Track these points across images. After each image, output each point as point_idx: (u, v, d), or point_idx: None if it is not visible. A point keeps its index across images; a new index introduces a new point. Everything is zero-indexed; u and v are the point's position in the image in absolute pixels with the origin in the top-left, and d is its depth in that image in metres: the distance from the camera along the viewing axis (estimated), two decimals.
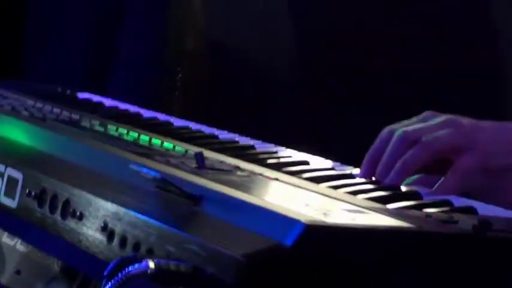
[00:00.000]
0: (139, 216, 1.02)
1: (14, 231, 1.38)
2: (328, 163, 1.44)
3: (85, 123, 1.48)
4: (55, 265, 1.38)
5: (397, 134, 1.36)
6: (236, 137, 1.62)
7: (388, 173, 1.34)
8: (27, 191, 1.21)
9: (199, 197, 1.03)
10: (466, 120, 1.41)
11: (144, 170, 1.10)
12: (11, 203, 1.24)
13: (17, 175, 1.22)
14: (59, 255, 1.25)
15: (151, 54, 2.99)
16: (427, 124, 1.39)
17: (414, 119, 1.41)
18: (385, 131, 1.39)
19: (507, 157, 1.40)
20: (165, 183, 1.04)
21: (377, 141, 1.40)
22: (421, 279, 1.01)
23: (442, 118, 1.40)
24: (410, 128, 1.38)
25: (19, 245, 1.47)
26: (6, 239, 1.50)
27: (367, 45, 2.11)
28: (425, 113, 1.41)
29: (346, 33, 2.19)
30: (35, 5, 3.25)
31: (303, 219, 0.91)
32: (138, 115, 1.79)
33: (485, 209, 1.24)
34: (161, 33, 2.99)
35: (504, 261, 1.07)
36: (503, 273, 1.07)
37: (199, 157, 1.20)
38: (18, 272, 1.47)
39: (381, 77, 2.10)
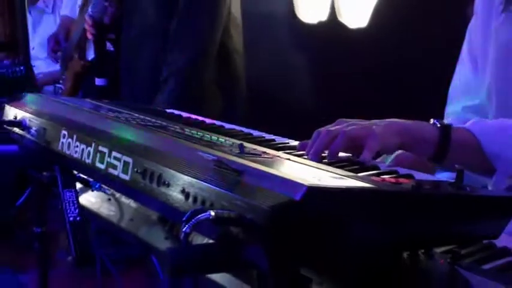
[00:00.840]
0: (204, 183, 1.04)
1: (129, 195, 1.39)
2: None
3: (170, 127, 1.47)
4: (154, 216, 1.35)
5: (324, 131, 1.36)
6: (263, 134, 1.59)
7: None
8: (135, 169, 1.21)
9: (240, 171, 1.02)
10: (366, 121, 1.41)
11: (206, 155, 1.08)
12: (126, 177, 1.23)
13: (129, 160, 1.21)
14: (156, 209, 1.27)
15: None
16: (341, 126, 1.37)
17: (331, 124, 1.41)
18: (316, 131, 1.38)
19: (393, 139, 1.37)
20: (220, 163, 1.05)
21: (314, 136, 1.38)
22: (379, 222, 1.00)
23: (350, 121, 1.40)
24: (331, 128, 1.37)
25: (132, 203, 1.50)
26: (124, 199, 1.52)
27: None
28: (338, 120, 1.41)
29: None
30: None
31: (305, 183, 0.93)
32: (202, 122, 1.77)
33: (419, 175, 1.23)
34: None
35: (431, 209, 1.05)
36: (430, 217, 1.05)
37: (241, 146, 1.20)
38: (131, 220, 1.47)
39: None
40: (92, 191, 1.67)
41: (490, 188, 1.59)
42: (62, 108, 1.68)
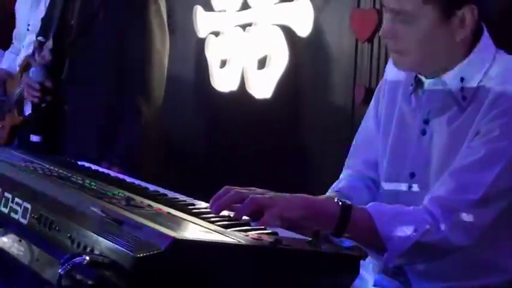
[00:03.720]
0: (87, 231, 1.07)
1: (26, 237, 1.33)
2: (204, 205, 1.41)
3: (72, 178, 1.48)
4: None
5: (234, 191, 1.37)
6: (159, 189, 1.56)
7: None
8: (32, 215, 1.23)
9: (120, 221, 1.06)
10: (273, 192, 1.42)
11: (94, 206, 1.11)
12: (24, 221, 1.26)
13: (28, 206, 1.22)
14: (48, 252, 1.22)
15: None
16: (249, 191, 1.39)
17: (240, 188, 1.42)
18: (224, 188, 1.39)
19: (296, 211, 1.38)
20: (105, 215, 1.09)
21: (220, 192, 1.38)
22: (238, 274, 1.03)
23: (259, 190, 1.42)
24: (241, 190, 1.39)
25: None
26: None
27: None
28: (226, 187, 1.41)
29: None
30: None
31: (172, 234, 0.98)
32: (105, 174, 1.75)
33: (284, 233, 1.25)
34: None
35: (288, 263, 1.08)
36: (286, 270, 1.08)
37: (128, 199, 1.23)
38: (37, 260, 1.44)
39: None
40: (6, 233, 1.66)
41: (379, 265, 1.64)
42: None
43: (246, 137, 3.07)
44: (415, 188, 1.63)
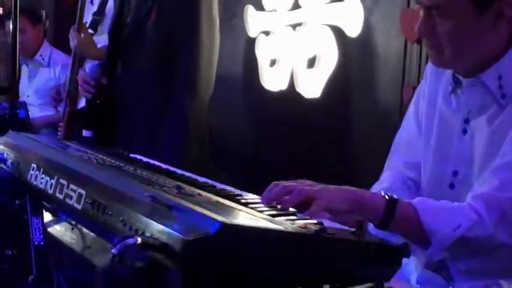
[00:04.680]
0: (139, 215, 1.10)
1: (80, 222, 1.40)
2: (252, 196, 1.43)
3: (124, 167, 1.52)
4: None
5: (281, 185, 1.41)
6: (207, 181, 1.58)
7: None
8: (87, 200, 1.26)
9: (170, 206, 1.08)
10: (321, 185, 1.46)
11: (145, 192, 1.15)
12: (78, 207, 1.29)
13: (82, 192, 1.28)
14: (101, 235, 1.28)
15: None
16: (297, 183, 1.42)
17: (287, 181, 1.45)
18: (272, 184, 1.43)
19: (343, 203, 1.40)
20: (153, 198, 1.11)
21: (269, 187, 1.42)
22: (284, 261, 1.04)
23: (308, 182, 1.45)
24: (287, 183, 1.42)
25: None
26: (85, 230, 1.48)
27: None
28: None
29: None
30: None
31: (220, 219, 0.99)
32: (156, 166, 1.76)
33: (329, 224, 1.25)
34: None
35: (332, 252, 1.09)
36: (329, 257, 1.09)
37: (178, 187, 1.25)
38: (89, 247, 1.47)
39: None
40: (59, 221, 1.71)
41: (424, 259, 1.64)
42: (35, 145, 1.73)
43: (294, 136, 3.10)
44: (458, 186, 1.63)
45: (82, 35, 3.28)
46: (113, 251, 0.98)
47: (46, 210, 1.65)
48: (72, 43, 3.34)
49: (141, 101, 2.85)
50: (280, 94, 3.16)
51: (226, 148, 3.38)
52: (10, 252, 1.81)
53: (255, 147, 3.41)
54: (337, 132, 2.91)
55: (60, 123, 3.56)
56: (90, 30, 3.27)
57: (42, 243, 1.60)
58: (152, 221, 1.05)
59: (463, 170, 1.63)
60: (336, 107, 2.91)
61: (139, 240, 0.99)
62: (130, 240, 0.99)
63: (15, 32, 2.90)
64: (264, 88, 3.26)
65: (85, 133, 2.89)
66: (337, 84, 2.87)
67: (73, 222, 1.67)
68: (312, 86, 2.96)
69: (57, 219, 1.71)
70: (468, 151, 1.62)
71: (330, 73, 2.87)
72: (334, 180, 1.49)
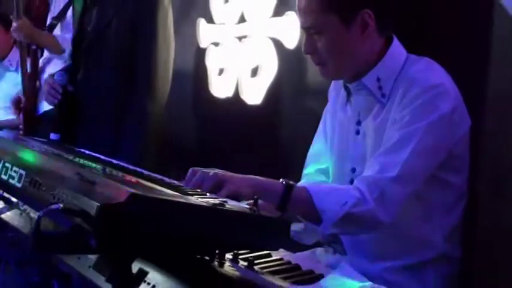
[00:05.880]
0: (67, 189, 1.26)
1: (21, 199, 1.55)
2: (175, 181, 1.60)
3: (64, 155, 1.69)
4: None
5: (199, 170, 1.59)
6: (140, 169, 1.76)
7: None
8: (26, 179, 1.42)
9: (93, 181, 1.26)
10: (230, 173, 1.63)
11: (74, 172, 1.32)
12: (19, 185, 1.45)
13: (23, 172, 1.43)
14: (36, 208, 1.43)
15: None
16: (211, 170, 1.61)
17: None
18: (191, 169, 1.61)
19: (248, 188, 1.59)
20: (80, 176, 1.30)
21: (190, 172, 1.61)
22: (185, 229, 1.21)
23: (221, 170, 1.63)
24: (205, 170, 1.60)
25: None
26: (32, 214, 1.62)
27: None
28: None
29: None
30: None
31: (131, 190, 1.16)
32: (95, 156, 1.94)
33: (232, 203, 1.41)
34: None
35: (227, 223, 1.26)
36: (223, 228, 1.26)
37: (104, 169, 1.43)
38: None
39: None
40: (10, 206, 1.87)
41: (316, 236, 1.83)
42: None
43: (237, 138, 3.26)
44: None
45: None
46: (38, 214, 1.16)
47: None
48: (14, 33, 3.52)
49: (103, 104, 3.03)
50: (227, 100, 3.33)
51: (179, 147, 3.56)
52: None
53: (204, 146, 3.57)
54: (275, 135, 3.08)
55: (20, 126, 3.71)
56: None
57: None
58: (77, 194, 1.22)
59: (359, 166, 1.83)
60: (275, 112, 3.08)
61: (61, 205, 1.17)
62: (54, 206, 1.17)
63: None
64: (212, 95, 3.43)
65: (52, 136, 3.03)
66: (277, 91, 3.05)
67: (21, 209, 1.85)
68: (254, 93, 3.14)
69: (9, 206, 1.88)
70: (361, 149, 1.83)
71: (271, 81, 3.05)
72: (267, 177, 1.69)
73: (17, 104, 4.00)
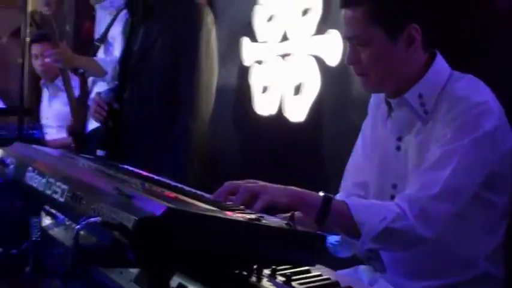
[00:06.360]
0: (105, 204, 1.27)
1: (63, 213, 1.59)
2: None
3: (105, 171, 1.72)
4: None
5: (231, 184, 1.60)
6: (182, 186, 1.77)
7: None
8: (68, 194, 1.45)
9: (130, 195, 1.27)
10: (263, 182, 1.63)
11: (112, 186, 1.35)
12: (62, 200, 1.49)
13: (65, 187, 1.46)
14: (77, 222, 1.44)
15: None
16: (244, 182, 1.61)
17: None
18: (227, 183, 1.61)
19: (285, 198, 1.58)
20: (118, 190, 1.31)
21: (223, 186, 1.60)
22: (221, 244, 1.21)
23: (253, 180, 1.64)
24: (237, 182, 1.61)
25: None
26: None
27: None
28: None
29: None
30: None
31: (167, 205, 1.17)
32: (136, 172, 1.95)
33: (269, 218, 1.41)
34: None
35: (263, 237, 1.26)
36: (261, 243, 1.25)
37: (142, 184, 1.43)
38: None
39: None
40: (56, 222, 1.91)
41: (353, 249, 1.82)
42: (34, 152, 1.95)
43: (280, 156, 3.26)
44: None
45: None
46: (77, 227, 1.18)
47: (46, 214, 1.85)
48: (53, 60, 3.59)
49: (148, 122, 3.07)
50: (270, 118, 3.33)
51: (222, 165, 3.57)
52: (16, 252, 2.01)
53: (247, 164, 3.57)
54: (318, 153, 3.07)
55: (72, 145, 3.78)
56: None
57: (39, 239, 1.80)
58: (115, 208, 1.24)
59: (401, 182, 1.81)
60: (317, 130, 3.08)
61: (99, 219, 1.19)
62: (92, 219, 1.19)
63: (24, 54, 3.08)
64: (255, 112, 3.44)
65: (99, 152, 3.09)
66: (320, 109, 3.05)
67: (67, 223, 1.88)
68: (297, 111, 3.14)
69: (55, 222, 1.92)
70: (403, 165, 1.81)
71: (313, 99, 3.05)
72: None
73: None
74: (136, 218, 1.16)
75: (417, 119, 1.78)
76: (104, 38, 3.64)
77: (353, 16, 1.75)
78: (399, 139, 1.84)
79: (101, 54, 3.69)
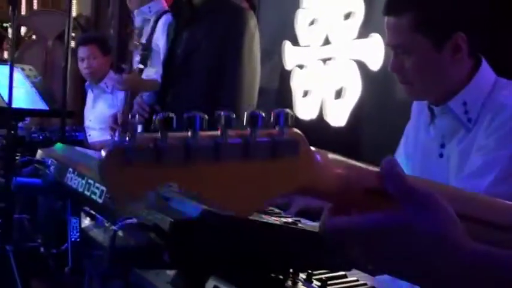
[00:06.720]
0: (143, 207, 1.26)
1: (100, 214, 1.60)
2: None
3: None
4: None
5: None
6: None
7: None
8: (107, 195, 1.46)
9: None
10: None
11: None
12: (100, 200, 1.49)
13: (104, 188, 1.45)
14: (114, 223, 1.46)
15: None
16: None
17: None
18: None
19: None
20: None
21: None
22: (254, 245, 1.20)
23: None
24: None
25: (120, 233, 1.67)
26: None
27: None
28: None
29: None
30: None
31: (203, 207, 1.15)
32: None
33: (305, 222, 1.40)
34: None
35: (292, 240, 1.25)
36: (291, 246, 1.25)
37: None
38: None
39: None
40: (96, 223, 1.92)
41: None
42: (75, 153, 1.97)
43: None
44: None
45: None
46: (114, 228, 1.19)
47: (86, 215, 1.87)
48: (120, 85, 3.63)
49: None
50: (311, 122, 3.33)
51: None
52: (56, 252, 2.04)
53: None
54: (359, 157, 3.04)
55: None
56: (140, 65, 3.53)
57: (78, 239, 1.82)
58: (152, 210, 1.25)
59: None
60: (358, 134, 3.06)
61: (135, 220, 1.19)
62: (129, 221, 1.20)
63: (67, 57, 3.12)
64: (296, 116, 3.43)
65: None
66: (361, 113, 3.03)
67: (106, 225, 1.89)
68: (338, 115, 3.13)
69: (95, 223, 1.93)
70: (445, 172, 1.77)
71: (355, 103, 3.04)
72: None
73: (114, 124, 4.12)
74: (172, 220, 1.16)
75: (461, 127, 1.74)
76: (148, 46, 3.66)
77: (396, 24, 1.72)
78: (442, 146, 1.80)
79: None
